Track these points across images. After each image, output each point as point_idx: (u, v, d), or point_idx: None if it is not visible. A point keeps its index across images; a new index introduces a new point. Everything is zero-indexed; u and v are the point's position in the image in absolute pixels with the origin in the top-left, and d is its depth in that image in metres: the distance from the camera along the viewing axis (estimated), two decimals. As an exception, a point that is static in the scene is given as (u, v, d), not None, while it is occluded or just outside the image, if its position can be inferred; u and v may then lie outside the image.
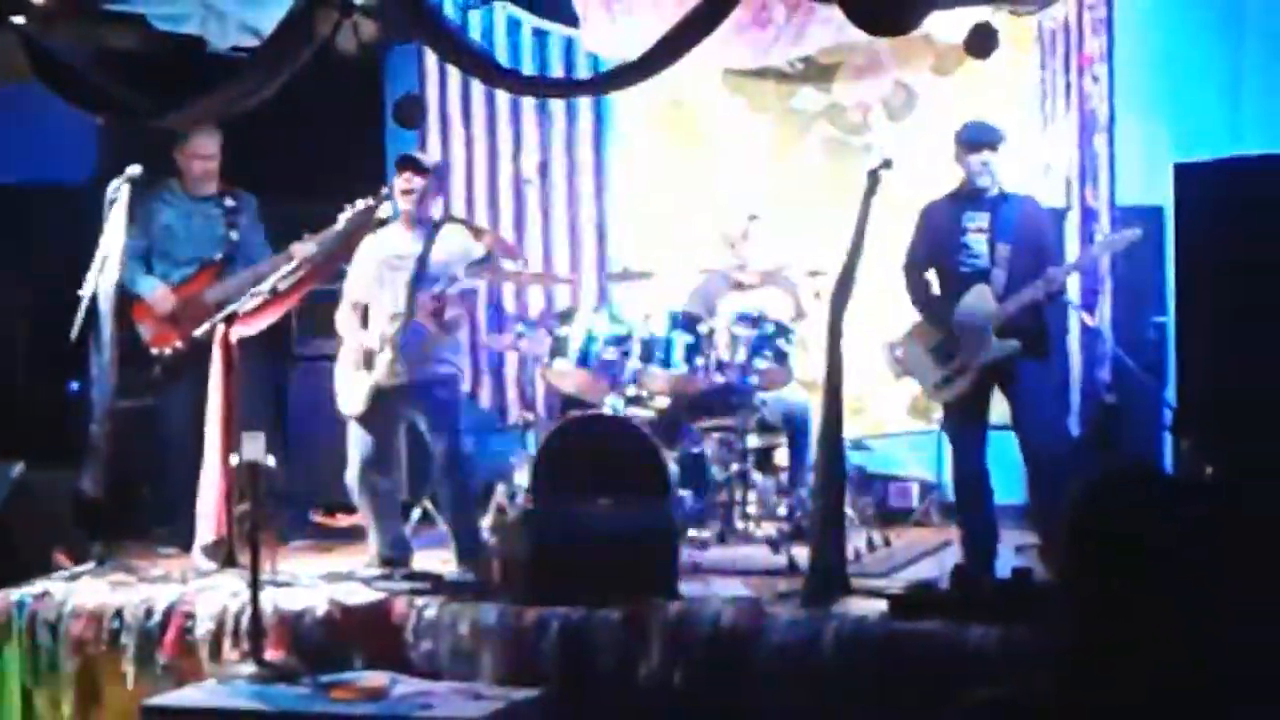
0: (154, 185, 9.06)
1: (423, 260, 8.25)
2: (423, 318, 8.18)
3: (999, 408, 8.09)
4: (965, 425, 8.04)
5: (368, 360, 8.25)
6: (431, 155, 9.74)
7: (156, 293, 9.01)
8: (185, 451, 8.57)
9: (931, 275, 8.20)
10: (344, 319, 8.54)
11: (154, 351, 8.93)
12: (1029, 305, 7.85)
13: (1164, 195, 8.83)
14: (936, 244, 8.09)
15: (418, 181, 8.31)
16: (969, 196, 8.05)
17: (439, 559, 8.42)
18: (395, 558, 8.28)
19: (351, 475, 8.35)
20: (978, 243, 7.97)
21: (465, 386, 9.26)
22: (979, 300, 7.89)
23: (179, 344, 8.78)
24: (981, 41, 8.61)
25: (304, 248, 8.66)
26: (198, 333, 8.40)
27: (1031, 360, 7.92)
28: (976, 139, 8.05)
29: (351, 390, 8.32)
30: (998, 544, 7.96)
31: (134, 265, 8.97)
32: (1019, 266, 7.89)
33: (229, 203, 9.15)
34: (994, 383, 7.97)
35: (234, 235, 9.10)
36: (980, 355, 7.86)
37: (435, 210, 8.61)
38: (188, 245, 9.11)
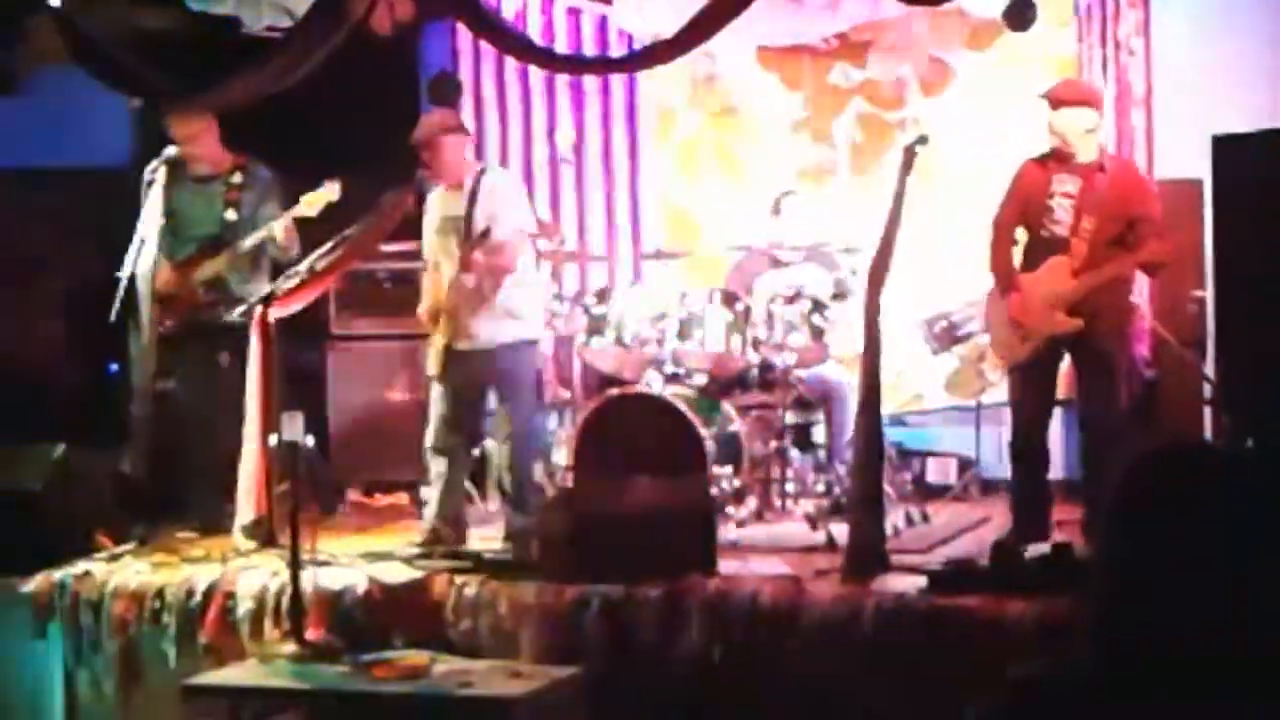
0: (175, 166, 8.97)
1: (469, 220, 8.22)
2: (482, 274, 8.15)
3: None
4: (1027, 393, 7.95)
5: (435, 324, 8.25)
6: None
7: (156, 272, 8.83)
8: (196, 433, 8.63)
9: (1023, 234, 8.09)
10: (425, 279, 8.55)
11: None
12: (1106, 282, 7.77)
13: (1203, 168, 8.80)
14: (1025, 204, 7.94)
15: (425, 156, 8.27)
16: (1062, 159, 7.86)
17: (478, 537, 8.42)
18: (445, 531, 8.22)
19: (428, 437, 8.36)
20: (1063, 209, 7.79)
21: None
22: (1053, 274, 7.78)
23: (168, 323, 8.66)
24: (1020, 13, 8.56)
25: (285, 220, 8.63)
26: (236, 314, 8.42)
27: (1103, 334, 7.86)
28: (1053, 98, 7.93)
29: (431, 352, 8.34)
30: (1049, 518, 7.91)
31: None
32: (1102, 241, 7.74)
33: (235, 179, 8.94)
34: (1063, 354, 7.90)
35: (230, 214, 8.87)
36: (1044, 328, 7.79)
37: (464, 163, 8.48)
38: (191, 225, 8.89)
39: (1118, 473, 2.85)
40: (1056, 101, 7.89)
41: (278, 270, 8.75)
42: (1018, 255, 8.04)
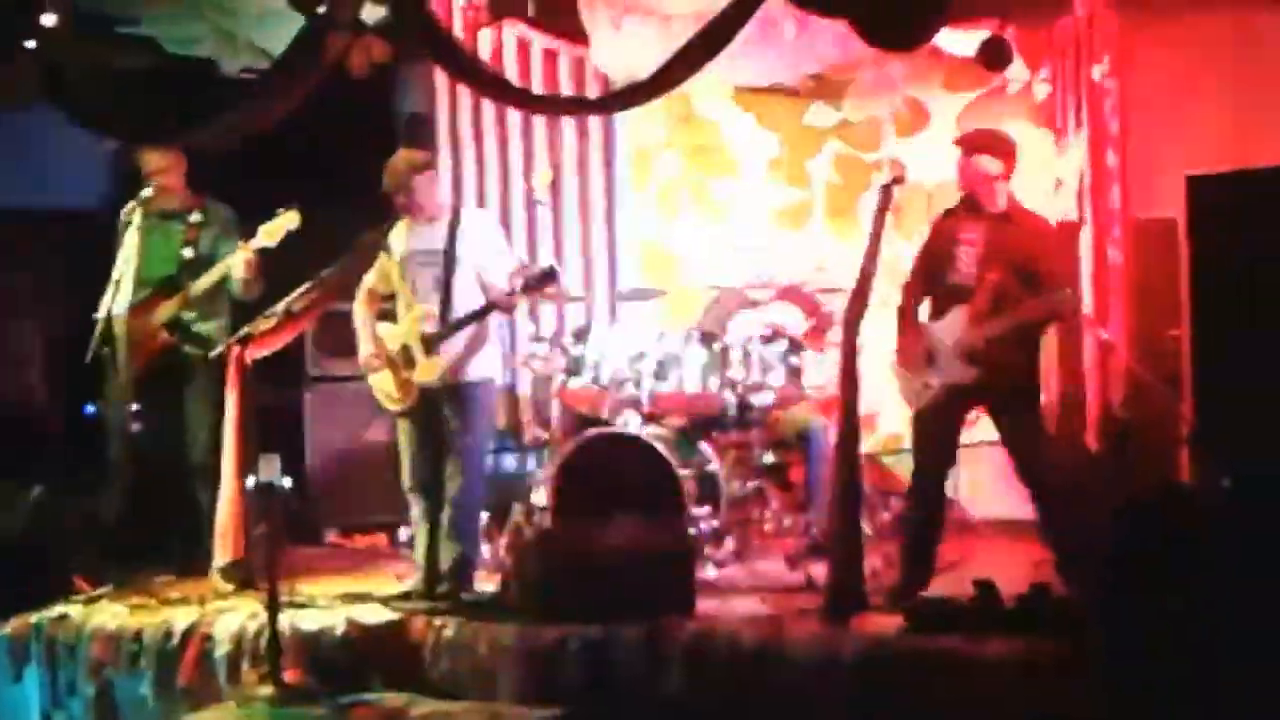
0: (148, 207, 8.89)
1: (449, 255, 8.18)
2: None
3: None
4: (929, 441, 7.91)
5: (408, 361, 8.15)
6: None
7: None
8: (170, 475, 8.61)
9: None
10: (359, 310, 8.38)
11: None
12: (1011, 334, 7.66)
13: (1178, 208, 8.84)
14: (933, 255, 7.94)
15: (398, 200, 8.24)
16: (970, 208, 7.86)
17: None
18: (450, 573, 8.08)
19: (404, 477, 8.28)
20: (967, 258, 7.76)
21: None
22: (953, 324, 7.78)
23: (135, 366, 8.56)
24: (994, 54, 8.60)
25: (245, 254, 8.61)
26: (213, 354, 8.40)
27: (1010, 385, 7.80)
28: (964, 144, 7.95)
29: (388, 388, 8.21)
30: (934, 561, 7.86)
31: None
32: (1006, 291, 7.66)
33: (194, 218, 8.86)
34: (968, 405, 7.87)
35: (188, 253, 8.80)
36: (944, 378, 7.78)
37: (439, 199, 8.43)
38: (148, 265, 8.73)
39: (1105, 521, 2.87)
40: (968, 147, 7.89)
41: (237, 308, 8.74)
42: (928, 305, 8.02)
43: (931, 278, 7.90)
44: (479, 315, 8.06)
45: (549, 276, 8.05)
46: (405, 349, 8.13)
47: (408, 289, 8.22)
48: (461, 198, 10.42)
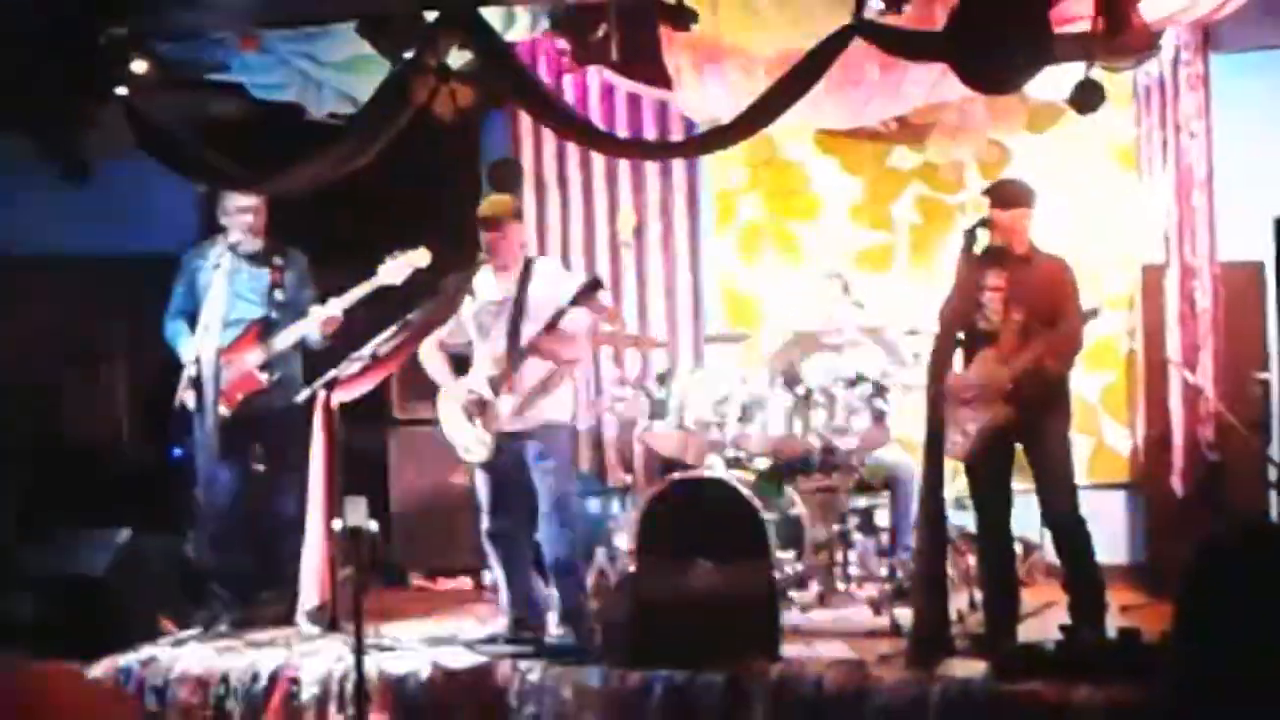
0: (199, 245, 9.01)
1: (519, 302, 8.23)
2: (541, 355, 8.13)
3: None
4: (985, 488, 7.93)
5: (481, 408, 8.20)
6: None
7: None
8: (241, 519, 8.68)
9: None
10: (429, 358, 8.46)
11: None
12: (1037, 369, 7.68)
13: (1265, 250, 8.78)
14: (963, 300, 7.93)
15: (490, 236, 8.29)
16: (992, 255, 7.86)
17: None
18: (525, 617, 8.20)
19: (483, 523, 8.34)
20: (992, 303, 7.81)
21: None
22: (985, 366, 7.77)
23: (223, 410, 8.59)
24: (1088, 96, 8.55)
25: (336, 305, 8.72)
26: (300, 398, 8.43)
27: (1050, 421, 7.80)
28: (1001, 196, 7.94)
29: (468, 438, 8.24)
30: (1017, 615, 7.88)
31: (180, 330, 8.86)
32: (1030, 331, 7.70)
33: (276, 261, 8.96)
34: (1009, 444, 7.84)
35: (279, 295, 8.90)
36: (979, 423, 7.74)
37: (519, 249, 8.46)
38: (233, 306, 8.76)
39: (1188, 556, 2.86)
40: (998, 199, 7.88)
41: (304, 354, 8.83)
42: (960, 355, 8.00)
43: (962, 326, 7.87)
44: (518, 360, 8.10)
45: (593, 286, 8.07)
46: (478, 397, 8.17)
47: (482, 338, 8.28)
48: (547, 242, 10.48)
